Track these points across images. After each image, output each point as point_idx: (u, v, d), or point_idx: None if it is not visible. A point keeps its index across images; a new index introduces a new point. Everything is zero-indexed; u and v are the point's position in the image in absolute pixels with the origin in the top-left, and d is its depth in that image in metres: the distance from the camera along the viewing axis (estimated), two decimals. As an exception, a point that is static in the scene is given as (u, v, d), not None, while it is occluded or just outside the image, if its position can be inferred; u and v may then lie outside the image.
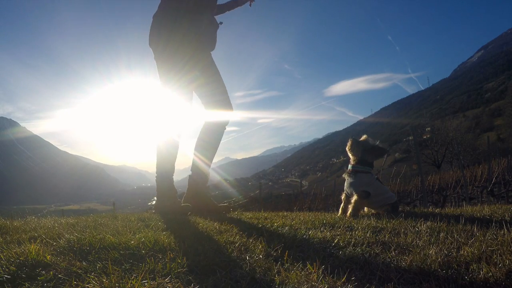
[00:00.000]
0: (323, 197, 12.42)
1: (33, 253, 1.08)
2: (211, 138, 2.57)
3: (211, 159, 2.58)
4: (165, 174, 2.47)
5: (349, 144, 2.27)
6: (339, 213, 2.21)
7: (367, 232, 1.45)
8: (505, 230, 1.27)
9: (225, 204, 2.64)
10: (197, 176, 2.56)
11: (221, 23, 2.62)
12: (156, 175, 2.52)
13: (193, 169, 2.59)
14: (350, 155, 2.27)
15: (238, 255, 1.11)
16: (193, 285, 0.87)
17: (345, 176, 2.25)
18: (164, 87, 2.44)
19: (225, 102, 2.54)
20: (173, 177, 2.53)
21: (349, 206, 2.16)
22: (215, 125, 2.57)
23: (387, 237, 1.34)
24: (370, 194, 2.13)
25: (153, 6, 2.50)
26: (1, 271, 0.95)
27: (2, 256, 1.08)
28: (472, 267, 0.91)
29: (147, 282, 0.86)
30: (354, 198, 2.14)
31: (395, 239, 1.29)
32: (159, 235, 1.37)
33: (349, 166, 2.25)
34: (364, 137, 2.26)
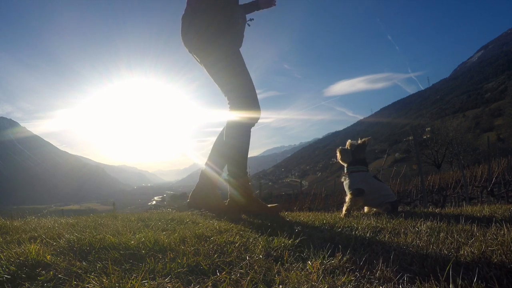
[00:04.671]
0: (323, 197, 12.41)
1: (33, 253, 1.08)
2: (216, 139, 2.53)
3: (212, 160, 2.52)
4: (239, 169, 2.44)
5: (338, 155, 2.35)
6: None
7: (367, 232, 1.45)
8: (505, 230, 1.27)
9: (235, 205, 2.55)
10: (200, 179, 2.55)
11: (251, 19, 2.55)
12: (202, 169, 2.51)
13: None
14: (343, 163, 2.35)
15: (238, 255, 1.11)
16: (193, 285, 0.87)
17: (342, 179, 2.31)
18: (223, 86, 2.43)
19: (233, 102, 2.43)
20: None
21: (344, 205, 2.20)
22: (225, 126, 2.51)
23: (387, 237, 1.34)
24: (364, 191, 2.16)
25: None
26: (1, 271, 0.95)
27: (2, 256, 1.08)
28: (472, 267, 0.91)
29: (147, 282, 0.86)
30: (348, 196, 2.18)
31: (395, 239, 1.29)
32: (159, 235, 1.37)
33: (345, 169, 2.33)
34: (348, 142, 2.35)
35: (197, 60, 2.50)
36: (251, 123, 2.43)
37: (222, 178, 2.52)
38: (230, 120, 2.44)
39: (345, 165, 2.32)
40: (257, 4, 2.62)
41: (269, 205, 2.45)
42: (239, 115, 2.41)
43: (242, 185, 2.42)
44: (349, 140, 2.36)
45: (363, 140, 2.31)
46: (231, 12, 2.36)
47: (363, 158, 2.30)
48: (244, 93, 2.39)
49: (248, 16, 2.57)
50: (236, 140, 2.43)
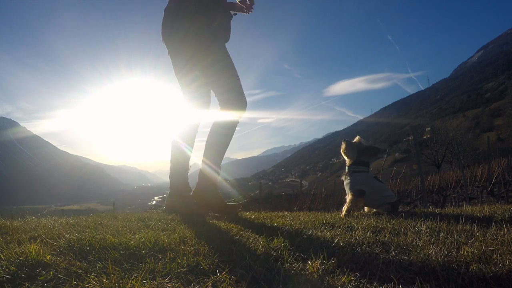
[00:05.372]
0: (323, 197, 12.42)
1: (33, 253, 1.08)
2: (211, 138, 2.54)
3: (212, 160, 2.53)
4: (180, 171, 2.47)
5: (343, 146, 2.31)
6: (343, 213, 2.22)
7: (367, 232, 1.45)
8: (505, 230, 1.27)
9: (234, 204, 2.60)
10: (201, 179, 2.54)
11: (235, 14, 2.60)
12: (170, 171, 2.51)
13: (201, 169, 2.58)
14: (345, 157, 2.31)
15: (238, 255, 1.11)
16: (193, 285, 0.87)
17: (343, 178, 2.29)
18: (180, 83, 2.46)
19: (231, 101, 2.49)
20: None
21: (344, 205, 2.19)
22: (217, 125, 2.54)
23: (387, 237, 1.34)
24: (365, 193, 2.15)
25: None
26: (1, 271, 0.95)
27: (2, 256, 1.08)
28: (472, 267, 0.91)
29: (147, 282, 0.86)
30: (349, 197, 2.17)
31: (395, 239, 1.29)
32: (159, 235, 1.37)
33: (346, 168, 2.29)
34: (357, 138, 2.31)
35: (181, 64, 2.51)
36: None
37: (221, 178, 2.53)
38: (232, 120, 2.47)
39: (347, 162, 2.30)
40: (234, 6, 2.66)
41: (228, 203, 2.52)
42: (238, 114, 2.45)
43: (216, 184, 2.48)
44: (358, 136, 2.32)
45: (376, 147, 2.27)
46: (210, 9, 2.38)
47: (367, 162, 2.28)
48: (240, 91, 2.44)
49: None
50: (229, 138, 2.50)
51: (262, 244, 1.24)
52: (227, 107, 2.45)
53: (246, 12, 2.70)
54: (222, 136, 2.50)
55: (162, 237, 1.33)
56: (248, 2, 2.65)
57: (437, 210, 2.26)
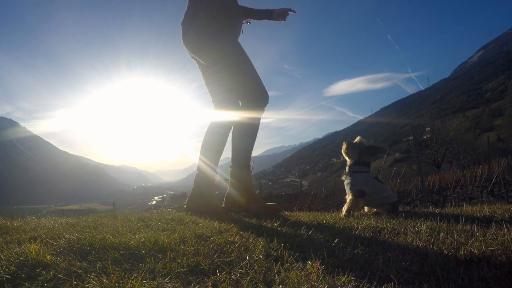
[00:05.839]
0: (323, 197, 12.41)
1: (33, 253, 1.08)
2: (211, 139, 2.54)
3: (212, 160, 2.52)
4: (207, 168, 2.48)
5: (344, 147, 2.30)
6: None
7: (367, 232, 1.45)
8: (505, 230, 1.27)
9: (273, 204, 2.59)
10: (199, 178, 2.54)
11: (248, 22, 2.61)
12: (197, 171, 2.52)
13: (197, 169, 2.57)
14: (346, 157, 2.30)
15: (238, 255, 1.11)
16: (193, 285, 0.87)
17: (343, 178, 2.28)
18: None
19: (226, 102, 2.50)
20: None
21: (344, 205, 2.19)
22: (216, 126, 2.54)
23: (387, 237, 1.34)
24: (365, 193, 2.15)
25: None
26: (1, 271, 0.95)
27: (2, 256, 1.08)
28: (472, 267, 0.91)
29: (147, 282, 0.86)
30: (349, 197, 2.17)
31: (395, 239, 1.29)
32: (159, 235, 1.37)
33: (346, 168, 2.29)
34: (358, 138, 2.30)
35: (198, 62, 2.51)
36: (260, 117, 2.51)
37: (222, 178, 2.53)
38: (252, 119, 2.47)
39: (348, 162, 2.30)
40: (271, 15, 2.64)
41: (267, 203, 2.47)
42: (257, 114, 2.46)
43: (244, 180, 2.42)
44: (359, 137, 2.30)
45: (377, 146, 2.25)
46: (231, 14, 2.40)
47: (368, 162, 2.27)
48: (258, 89, 2.46)
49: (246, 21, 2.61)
50: (252, 138, 2.49)
51: (262, 244, 1.24)
52: (246, 107, 2.47)
53: (283, 20, 2.69)
54: (220, 136, 2.53)
55: (162, 237, 1.33)
56: (286, 14, 2.64)
57: (437, 210, 2.26)
